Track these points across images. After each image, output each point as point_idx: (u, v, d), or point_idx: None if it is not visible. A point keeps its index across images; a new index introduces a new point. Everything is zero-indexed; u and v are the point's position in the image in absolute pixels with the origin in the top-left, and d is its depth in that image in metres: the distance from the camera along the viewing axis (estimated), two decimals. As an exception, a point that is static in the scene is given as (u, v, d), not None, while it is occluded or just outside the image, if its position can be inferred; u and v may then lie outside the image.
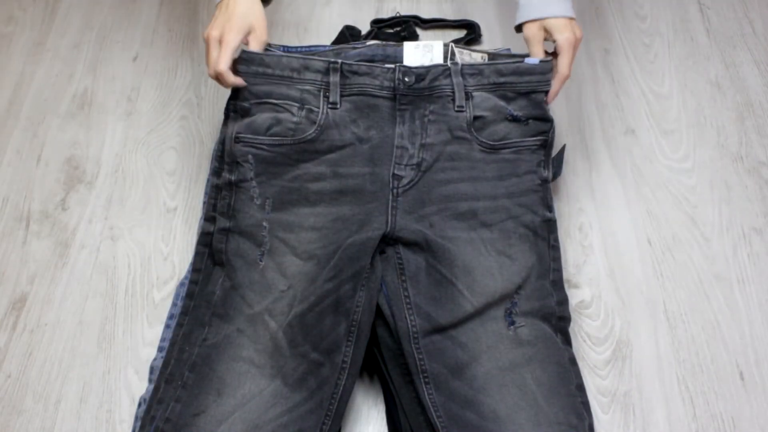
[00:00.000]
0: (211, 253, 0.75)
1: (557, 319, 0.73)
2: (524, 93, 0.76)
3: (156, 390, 0.69)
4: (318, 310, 0.70)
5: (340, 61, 0.75)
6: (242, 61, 0.75)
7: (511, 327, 0.71)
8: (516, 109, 0.76)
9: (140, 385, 0.77)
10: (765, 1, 1.10)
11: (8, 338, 0.81)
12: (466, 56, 0.80)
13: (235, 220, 0.74)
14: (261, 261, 0.73)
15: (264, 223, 0.74)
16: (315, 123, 0.75)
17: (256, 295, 0.72)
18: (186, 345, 0.71)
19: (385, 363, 0.72)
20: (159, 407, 0.68)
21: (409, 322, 0.71)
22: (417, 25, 1.07)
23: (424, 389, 0.69)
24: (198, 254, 0.75)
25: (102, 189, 0.92)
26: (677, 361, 0.78)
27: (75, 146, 0.97)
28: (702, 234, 0.87)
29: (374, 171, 0.75)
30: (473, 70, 0.76)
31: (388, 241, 0.73)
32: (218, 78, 0.74)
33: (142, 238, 0.88)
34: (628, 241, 0.87)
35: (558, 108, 0.98)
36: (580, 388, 0.71)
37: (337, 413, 0.69)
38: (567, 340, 0.73)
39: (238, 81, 0.74)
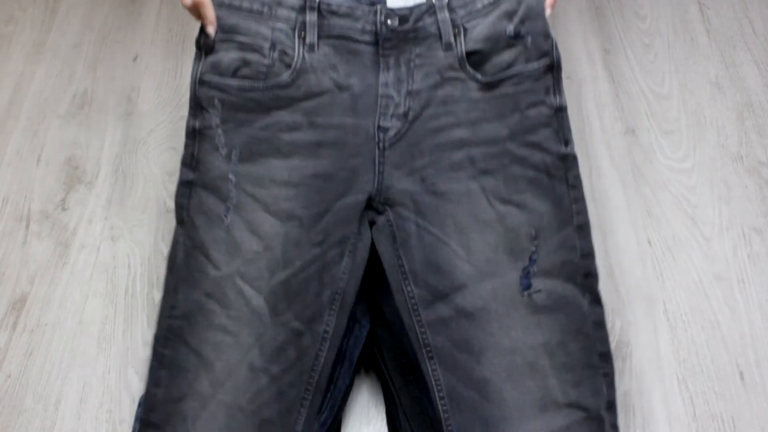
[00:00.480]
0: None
1: (583, 277, 0.66)
2: (522, 1, 0.69)
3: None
4: (303, 276, 0.66)
5: None
6: None
7: (525, 292, 0.65)
8: (516, 24, 0.69)
9: (140, 385, 0.77)
10: (765, 1, 1.10)
11: (8, 338, 0.81)
12: None
13: (199, 172, 0.69)
14: (226, 217, 0.67)
15: (230, 176, 0.68)
16: (290, 66, 0.68)
17: (222, 255, 0.66)
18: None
19: (385, 363, 0.72)
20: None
21: (406, 293, 0.66)
22: None
23: (428, 365, 0.64)
24: None
25: (102, 189, 0.92)
26: (677, 361, 0.79)
27: (75, 146, 0.97)
28: (702, 234, 0.87)
29: (356, 123, 0.68)
30: (462, 0, 0.69)
31: (377, 208, 0.68)
32: (197, 7, 0.67)
33: (142, 238, 0.88)
34: (628, 241, 0.87)
35: (558, 108, 0.98)
36: (604, 356, 0.64)
37: (317, 387, 0.65)
38: (596, 300, 0.66)
39: (214, 25, 0.68)
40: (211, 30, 0.69)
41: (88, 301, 0.83)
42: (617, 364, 0.78)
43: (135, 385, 0.77)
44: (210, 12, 0.68)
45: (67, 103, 1.01)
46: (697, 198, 0.90)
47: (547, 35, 0.70)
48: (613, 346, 0.79)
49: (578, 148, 0.94)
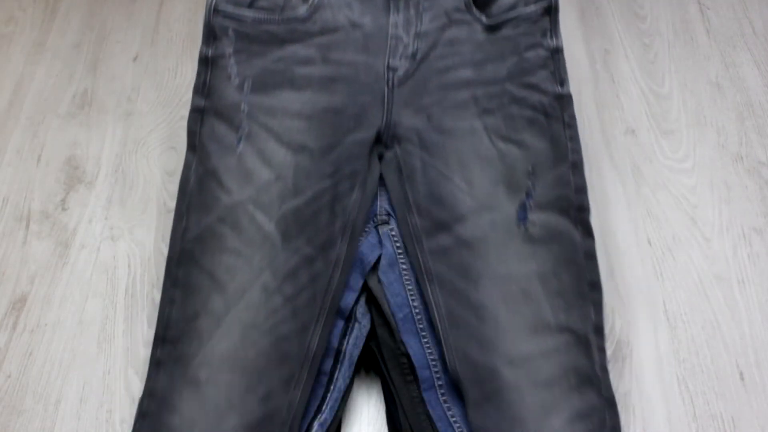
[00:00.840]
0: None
1: (576, 211, 0.71)
2: None
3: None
4: (315, 205, 0.69)
5: None
6: None
7: (522, 224, 0.69)
8: None
9: (140, 385, 0.77)
10: (765, 1, 1.10)
11: (8, 338, 0.81)
12: None
13: (210, 100, 0.71)
14: (238, 146, 0.70)
15: (242, 105, 0.70)
16: (307, 1, 0.71)
17: (234, 182, 0.69)
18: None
19: (385, 363, 0.72)
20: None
21: (411, 223, 0.70)
22: None
23: (428, 288, 0.68)
24: None
25: (102, 189, 0.92)
26: (677, 361, 0.79)
27: (75, 146, 0.97)
28: (702, 234, 0.87)
29: (368, 61, 0.72)
30: None
31: (385, 143, 0.71)
32: None
33: (142, 238, 0.88)
34: (628, 241, 0.87)
35: (558, 108, 0.98)
36: (594, 285, 0.69)
37: (331, 308, 0.68)
38: (587, 232, 0.71)
39: None
40: None
41: (88, 301, 0.83)
42: (617, 364, 0.78)
43: (135, 385, 0.77)
44: None
45: (67, 103, 1.01)
46: (697, 198, 0.90)
47: None
48: (613, 346, 0.80)
49: (578, 148, 0.95)
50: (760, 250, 0.86)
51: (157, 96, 1.01)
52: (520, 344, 0.65)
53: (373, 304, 0.73)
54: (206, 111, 0.71)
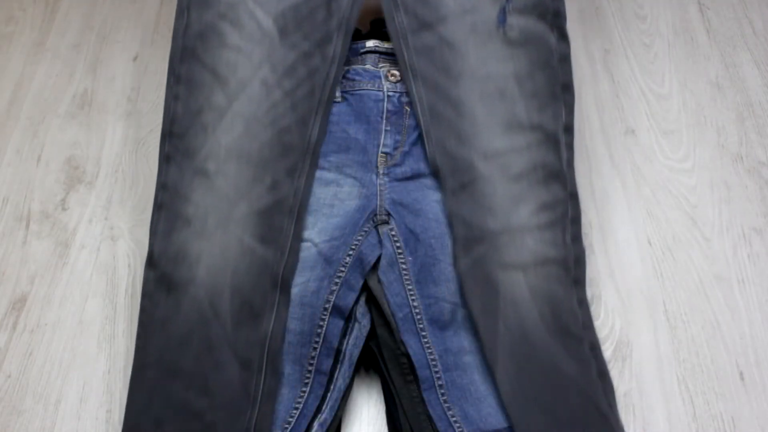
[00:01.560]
0: None
1: (552, 16, 0.75)
2: None
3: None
4: (312, 3, 0.74)
5: None
6: None
7: (501, 27, 0.73)
8: None
9: (140, 385, 0.77)
10: (765, 1, 1.10)
11: (8, 338, 0.81)
12: None
13: None
14: None
15: None
16: None
17: None
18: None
19: (385, 363, 0.72)
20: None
21: (397, 21, 0.75)
22: None
23: (412, 83, 0.74)
24: None
25: (102, 189, 0.92)
26: (677, 361, 0.79)
27: (75, 146, 0.97)
28: (702, 234, 0.87)
29: None
30: None
31: None
32: None
33: (142, 238, 0.88)
34: (628, 241, 0.87)
35: (558, 108, 0.98)
36: (566, 87, 0.74)
37: (329, 101, 0.73)
38: (563, 36, 0.76)
39: None
40: None
41: (88, 301, 0.83)
42: (617, 364, 0.78)
43: (135, 385, 0.77)
44: None
45: (67, 103, 1.01)
46: (697, 198, 0.90)
47: None
48: (613, 346, 0.80)
49: (578, 148, 0.95)
50: (760, 250, 0.86)
51: (157, 96, 1.01)
52: (495, 140, 0.71)
53: (373, 304, 0.73)
54: None
